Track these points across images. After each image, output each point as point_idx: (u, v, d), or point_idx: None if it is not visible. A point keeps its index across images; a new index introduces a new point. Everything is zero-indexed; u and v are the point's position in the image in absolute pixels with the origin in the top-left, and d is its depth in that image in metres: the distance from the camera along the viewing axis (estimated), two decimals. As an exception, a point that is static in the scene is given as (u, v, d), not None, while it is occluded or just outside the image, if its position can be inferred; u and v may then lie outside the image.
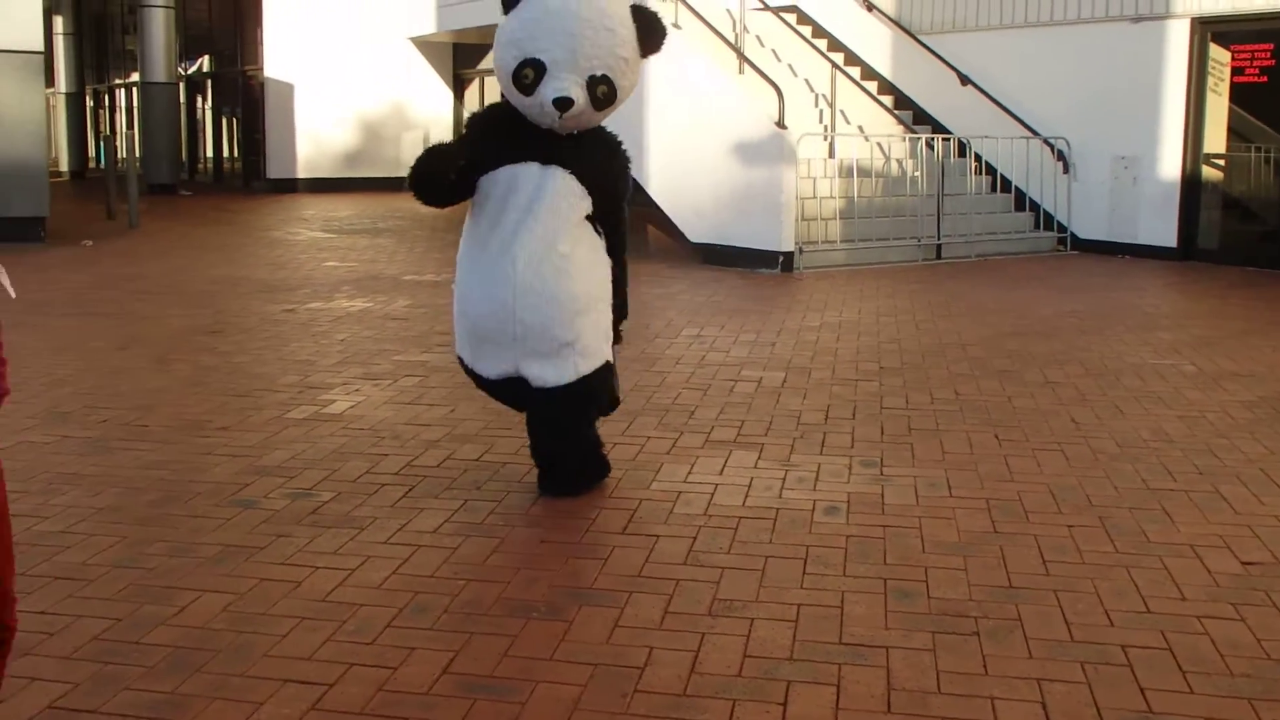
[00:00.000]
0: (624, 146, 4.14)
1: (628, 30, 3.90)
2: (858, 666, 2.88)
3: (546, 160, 3.93)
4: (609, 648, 2.96)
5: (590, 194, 3.99)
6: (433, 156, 3.84)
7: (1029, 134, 12.23)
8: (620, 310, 4.20)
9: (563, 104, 3.81)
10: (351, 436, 4.87)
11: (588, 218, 4.04)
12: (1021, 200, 12.40)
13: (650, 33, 3.97)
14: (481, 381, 4.16)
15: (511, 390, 4.12)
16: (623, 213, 4.15)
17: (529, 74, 3.83)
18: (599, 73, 3.84)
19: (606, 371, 4.12)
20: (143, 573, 3.41)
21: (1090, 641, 3.04)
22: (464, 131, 4.15)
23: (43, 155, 12.37)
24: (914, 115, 13.22)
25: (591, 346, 4.03)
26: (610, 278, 4.15)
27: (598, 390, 4.11)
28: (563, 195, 3.93)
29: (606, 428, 5.05)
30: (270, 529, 3.78)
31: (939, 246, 11.42)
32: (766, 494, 4.21)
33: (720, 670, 2.85)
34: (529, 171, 3.93)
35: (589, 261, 4.03)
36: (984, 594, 3.34)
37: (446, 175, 3.88)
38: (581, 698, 2.70)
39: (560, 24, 3.81)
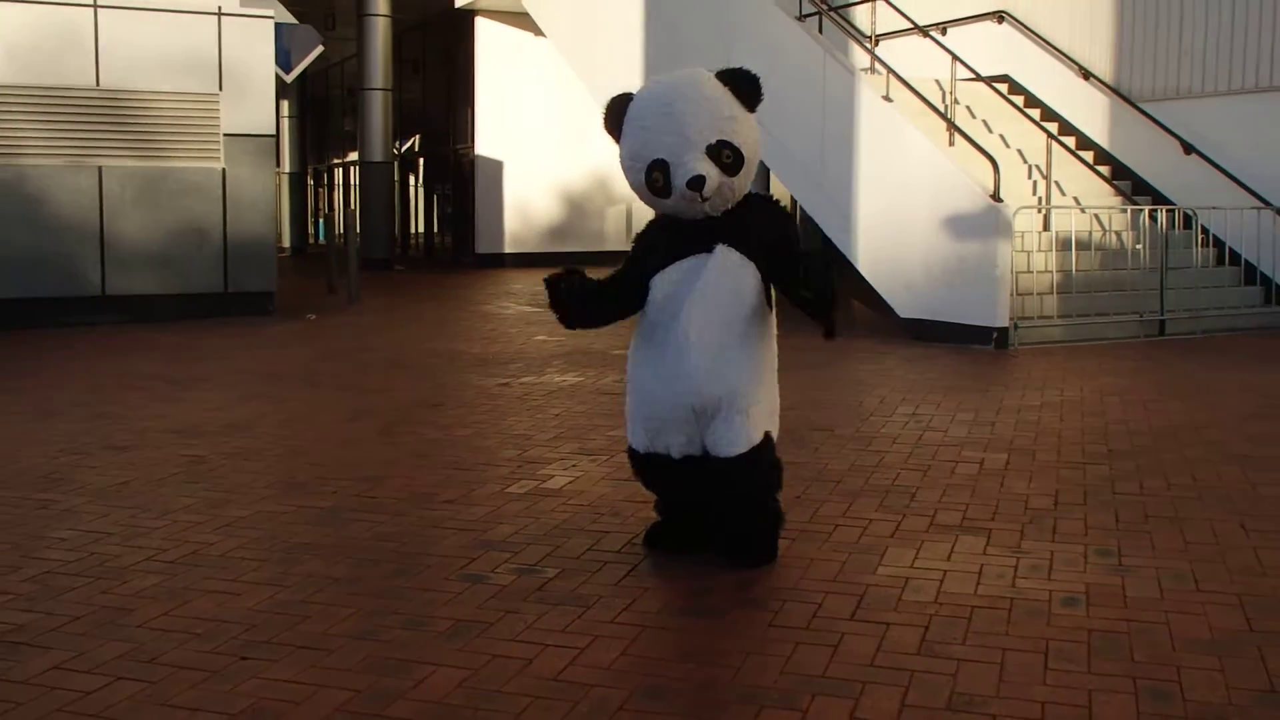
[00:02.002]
0: (774, 203, 4.24)
1: (720, 93, 4.00)
2: (1112, 772, 2.73)
3: (710, 245, 4.05)
4: (846, 740, 2.88)
5: (753, 257, 4.05)
6: (559, 297, 4.16)
7: (1260, 204, 11.65)
8: (822, 297, 4.01)
9: (697, 183, 3.92)
10: (573, 512, 4.93)
11: (759, 288, 4.11)
12: (1252, 274, 11.80)
13: (744, 85, 4.03)
14: (661, 464, 4.20)
15: (690, 474, 4.18)
16: (793, 244, 4.11)
17: (658, 176, 3.99)
18: (714, 140, 3.95)
19: (770, 442, 4.20)
20: (380, 645, 3.50)
21: (1367, 755, 2.82)
22: (631, 250, 4.31)
23: (272, 233, 13.14)
24: (1133, 186, 12.78)
25: (760, 417, 4.13)
26: (774, 353, 4.28)
27: (770, 458, 4.20)
28: (725, 267, 4.03)
29: (827, 508, 5.00)
30: (499, 604, 3.84)
31: (1162, 322, 10.95)
32: (999, 582, 4.06)
33: (964, 770, 2.74)
34: (695, 261, 4.06)
35: (756, 333, 4.14)
36: (1245, 698, 3.13)
37: (582, 306, 4.17)
38: (821, 792, 2.63)
39: (659, 121, 3.97)
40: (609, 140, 4.26)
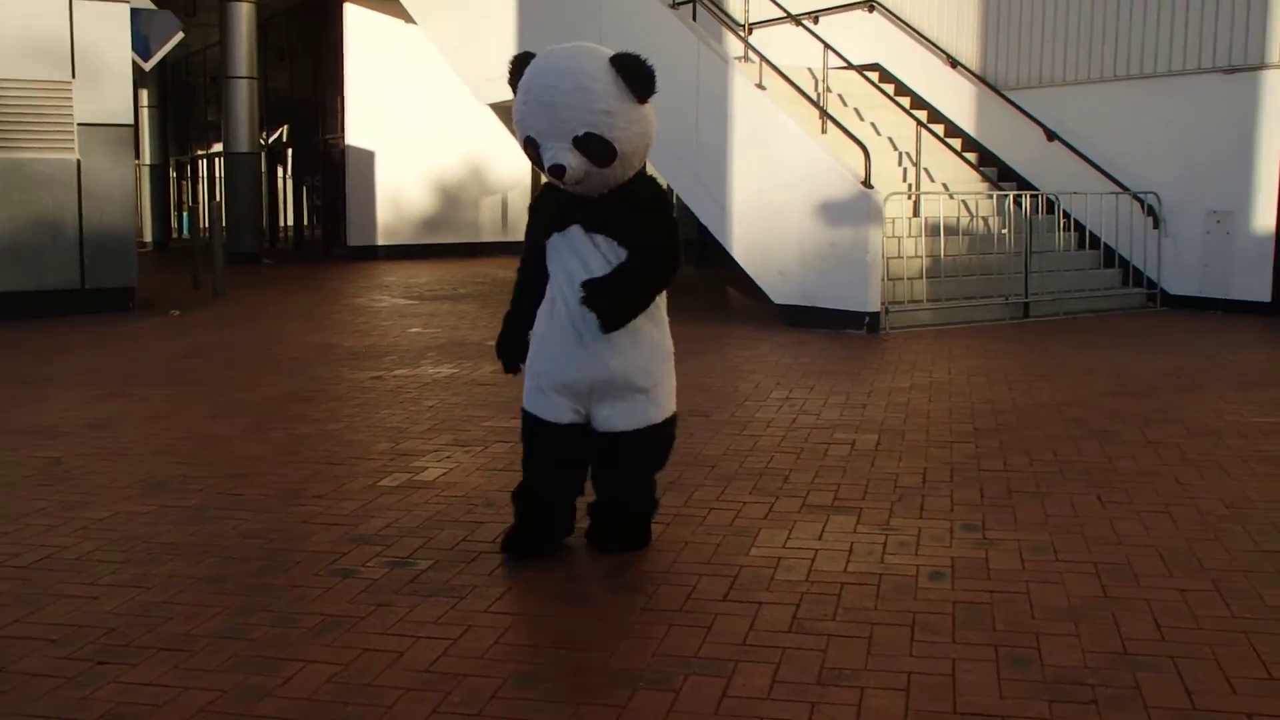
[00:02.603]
0: (664, 198, 4.24)
1: (605, 84, 3.95)
2: (975, 739, 2.80)
3: (589, 226, 4.07)
4: (718, 718, 2.90)
5: (630, 246, 4.07)
6: (500, 356, 4.28)
7: (1118, 189, 12.07)
8: (616, 295, 4.01)
9: (556, 170, 3.96)
10: (446, 504, 4.88)
11: None
12: (1110, 256, 12.22)
13: (636, 77, 4.00)
14: (546, 429, 4.16)
15: (574, 442, 4.17)
16: (653, 253, 4.10)
17: (531, 151, 4.04)
18: (580, 132, 3.92)
19: (672, 425, 4.24)
20: (247, 643, 3.42)
21: (1214, 710, 2.93)
22: (528, 218, 4.35)
23: (131, 226, 12.68)
24: (999, 172, 13.13)
25: (663, 397, 4.18)
26: (667, 335, 4.29)
27: (665, 441, 4.23)
28: (605, 256, 4.05)
29: (701, 492, 5.03)
30: (370, 598, 3.78)
31: (1026, 305, 11.28)
32: (868, 559, 4.13)
33: (833, 743, 2.78)
34: (575, 238, 4.08)
35: (658, 325, 4.21)
36: (1100, 661, 3.24)
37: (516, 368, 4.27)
38: (693, 771, 2.65)
39: (538, 98, 3.98)
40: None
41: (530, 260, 4.25)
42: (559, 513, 4.26)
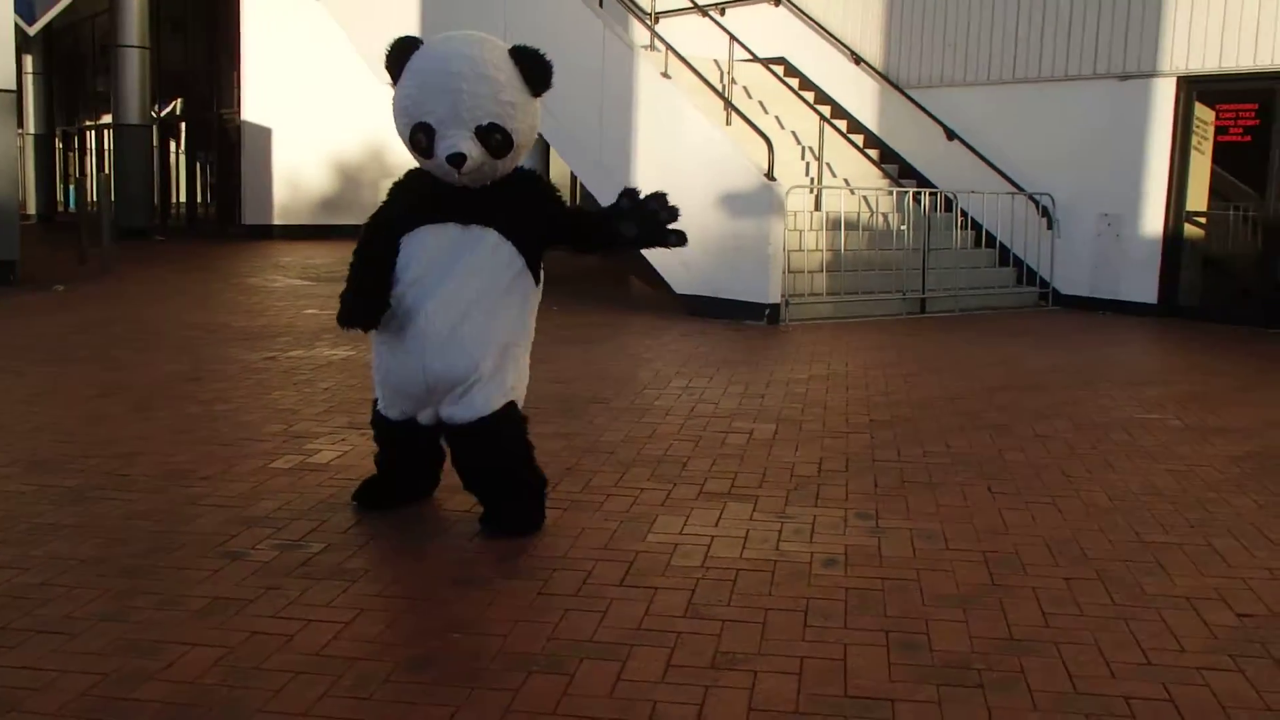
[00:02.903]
0: (540, 180, 4.25)
1: (508, 75, 3.95)
2: (865, 722, 2.83)
3: (467, 219, 4.03)
4: (612, 702, 2.89)
5: (514, 237, 4.06)
6: (354, 311, 4.06)
7: (1014, 189, 12.34)
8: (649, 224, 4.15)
9: (456, 160, 3.91)
10: (340, 486, 4.79)
11: (515, 266, 4.13)
12: (1006, 255, 12.49)
13: (535, 70, 4.01)
14: (395, 428, 4.25)
15: (412, 435, 4.27)
16: (572, 213, 4.21)
17: (421, 138, 3.95)
18: (485, 122, 3.91)
19: (513, 409, 4.19)
20: (130, 626, 3.32)
21: (1094, 693, 3.01)
22: (385, 199, 4.25)
23: (13, 197, 12.26)
24: (900, 169, 13.34)
25: (497, 383, 4.11)
26: (530, 327, 4.28)
27: (510, 424, 4.17)
28: (483, 253, 4.03)
29: (599, 478, 5.03)
30: (260, 581, 3.70)
31: (923, 300, 11.47)
32: (764, 546, 4.16)
33: (726, 726, 2.79)
34: (448, 232, 4.03)
35: (506, 309, 4.13)
36: (986, 646, 3.31)
37: (373, 324, 4.08)
38: (585, 754, 2.64)
39: (438, 83, 3.91)
40: (384, 109, 4.18)
41: (383, 244, 4.10)
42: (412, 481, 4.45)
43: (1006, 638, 3.37)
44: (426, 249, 4.04)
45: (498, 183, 4.08)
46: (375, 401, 4.37)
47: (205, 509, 4.47)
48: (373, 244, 4.14)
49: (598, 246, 4.35)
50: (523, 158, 4.13)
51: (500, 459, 4.19)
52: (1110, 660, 3.23)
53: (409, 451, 4.38)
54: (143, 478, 4.90)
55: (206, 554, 3.95)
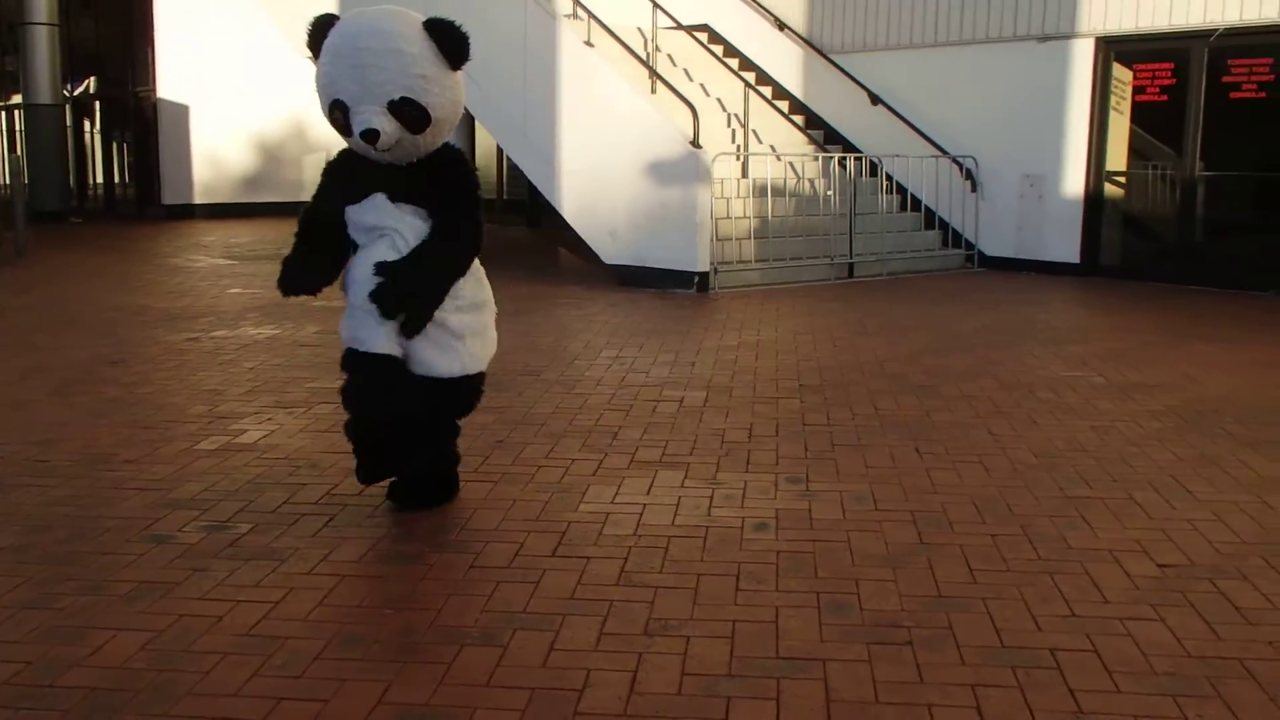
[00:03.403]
0: (474, 177, 4.16)
1: (420, 48, 3.88)
2: (796, 680, 2.86)
3: (394, 195, 3.97)
4: (546, 671, 2.90)
5: (435, 217, 4.01)
6: (289, 281, 4.03)
7: (938, 153, 12.45)
8: (411, 286, 3.95)
9: (369, 135, 3.83)
10: (267, 466, 4.74)
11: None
12: (931, 219, 12.61)
13: (450, 43, 3.93)
14: (359, 362, 3.97)
15: (385, 379, 4.00)
16: (459, 226, 4.05)
17: (338, 115, 3.90)
18: (397, 96, 3.82)
19: (481, 381, 4.22)
20: (53, 613, 3.26)
21: (1020, 646, 3.08)
22: (320, 180, 4.19)
23: (-74, 183, 11.93)
24: (825, 135, 13.38)
25: (478, 353, 4.15)
26: (489, 296, 4.25)
27: (475, 394, 4.22)
28: (409, 228, 3.97)
29: (531, 450, 5.01)
30: (186, 563, 3.65)
31: (851, 265, 11.55)
32: (695, 513, 4.18)
33: (660, 689, 2.81)
34: (380, 205, 3.98)
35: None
36: (915, 604, 3.36)
37: (313, 290, 4.05)
38: (520, 724, 2.64)
39: (348, 59, 3.86)
40: (304, 85, 4.08)
41: (319, 222, 4.07)
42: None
43: (934, 595, 3.43)
44: (367, 222, 3.99)
45: (426, 160, 4.02)
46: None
47: (129, 493, 4.39)
48: (307, 227, 4.11)
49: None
50: (448, 132, 4.06)
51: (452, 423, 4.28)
52: (1035, 614, 3.29)
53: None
54: (63, 463, 4.80)
55: (131, 538, 3.88)
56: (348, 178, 4.05)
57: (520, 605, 3.32)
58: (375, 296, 3.86)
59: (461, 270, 4.05)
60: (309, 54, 4.02)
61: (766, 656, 2.99)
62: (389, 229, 3.97)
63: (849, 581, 3.52)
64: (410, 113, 3.85)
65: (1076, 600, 3.39)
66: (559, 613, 3.26)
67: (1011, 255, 12.28)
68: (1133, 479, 4.66)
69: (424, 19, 3.95)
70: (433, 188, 4.01)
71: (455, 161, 4.12)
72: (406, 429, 4.11)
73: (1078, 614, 3.30)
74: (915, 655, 3.01)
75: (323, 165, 4.23)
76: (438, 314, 3.99)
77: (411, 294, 3.92)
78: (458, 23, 3.97)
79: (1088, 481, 4.62)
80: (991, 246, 12.44)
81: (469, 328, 4.11)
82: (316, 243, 4.08)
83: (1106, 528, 4.06)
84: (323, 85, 3.96)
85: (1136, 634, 3.16)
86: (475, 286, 4.17)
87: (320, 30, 3.96)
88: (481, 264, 4.23)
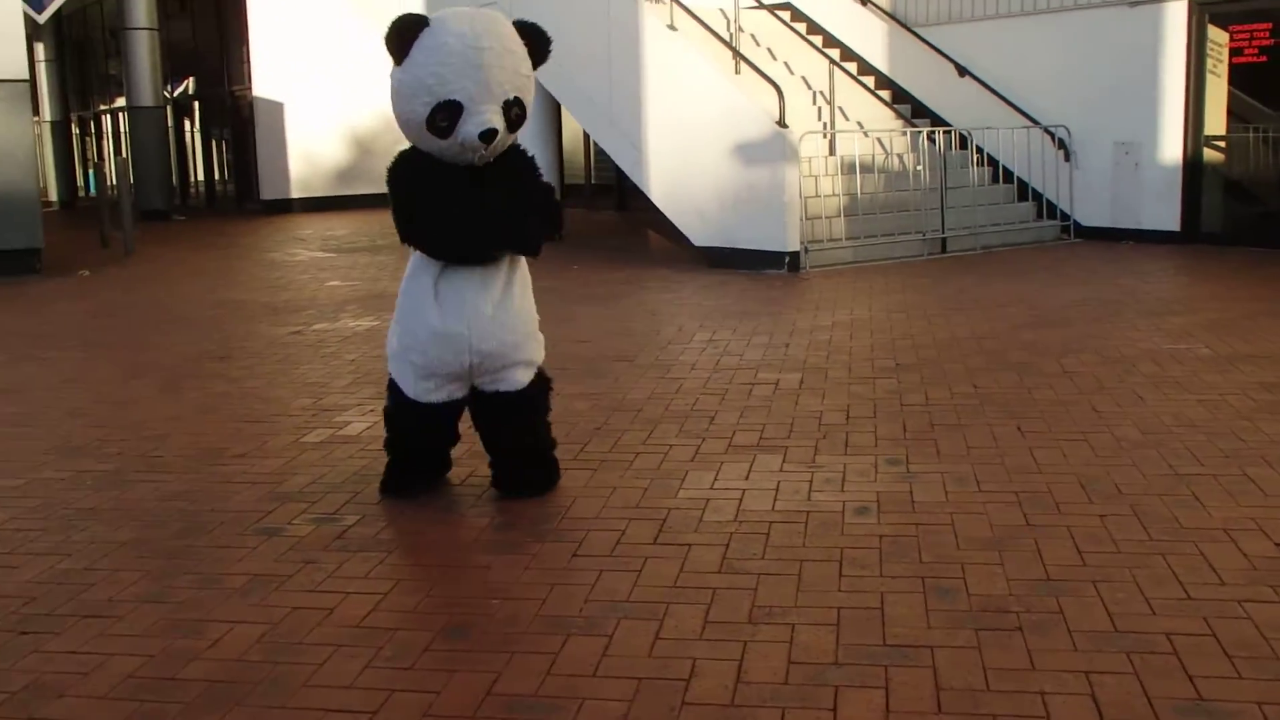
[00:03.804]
0: (526, 152, 4.22)
1: (522, 47, 3.96)
2: (904, 668, 2.84)
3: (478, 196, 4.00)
4: (652, 661, 2.91)
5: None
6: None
7: (1029, 123, 12.20)
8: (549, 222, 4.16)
9: (489, 136, 3.84)
10: (371, 458, 4.82)
11: None
12: (1024, 190, 12.37)
13: (540, 44, 4.02)
14: (424, 411, 4.16)
15: (452, 417, 4.24)
16: (548, 200, 4.20)
17: (442, 116, 3.84)
18: (511, 96, 3.90)
19: (544, 379, 4.30)
20: (172, 607, 3.36)
21: (1134, 631, 3.01)
22: (389, 187, 4.14)
23: (34, 186, 12.29)
24: (912, 109, 13.20)
25: (533, 354, 4.23)
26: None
27: (544, 391, 4.29)
28: None
29: (628, 436, 5.04)
30: (297, 556, 3.74)
31: (943, 240, 11.39)
32: (795, 497, 4.17)
33: (766, 678, 2.81)
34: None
35: (528, 286, 4.24)
36: (1023, 588, 3.31)
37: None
38: (629, 713, 2.66)
39: (467, 59, 3.80)
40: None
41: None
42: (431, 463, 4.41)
43: (1043, 578, 3.37)
44: None
45: (499, 158, 4.05)
46: (392, 390, 4.27)
47: (239, 486, 4.50)
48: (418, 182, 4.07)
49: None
50: None
51: (532, 423, 4.27)
52: (1149, 596, 3.22)
53: (434, 435, 4.29)
54: (176, 458, 4.94)
55: (243, 531, 3.99)
56: (430, 180, 4.03)
57: (624, 594, 3.34)
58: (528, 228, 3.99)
59: (558, 219, 4.19)
60: (392, 54, 3.93)
61: (873, 644, 2.97)
62: None
63: (954, 565, 3.48)
64: (516, 113, 3.93)
65: (1191, 582, 3.31)
66: (663, 601, 3.27)
67: (1108, 225, 12.00)
68: (1245, 454, 4.54)
69: (514, 20, 4.01)
70: (510, 182, 4.06)
71: (519, 150, 4.18)
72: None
73: (1193, 596, 3.22)
74: (1025, 641, 2.97)
75: (392, 174, 4.14)
76: (499, 347, 4.07)
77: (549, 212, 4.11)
78: (538, 24, 4.04)
79: (1198, 458, 4.51)
80: (1087, 216, 12.17)
81: (527, 349, 4.21)
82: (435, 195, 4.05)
83: (1220, 506, 3.95)
84: (428, 86, 3.83)
85: (1256, 616, 3.07)
86: (525, 296, 4.25)
87: (411, 31, 3.86)
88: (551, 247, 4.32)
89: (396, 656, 2.99)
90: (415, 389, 4.15)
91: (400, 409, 4.24)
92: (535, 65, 4.03)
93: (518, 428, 4.24)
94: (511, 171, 4.09)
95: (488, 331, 4.04)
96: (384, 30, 3.91)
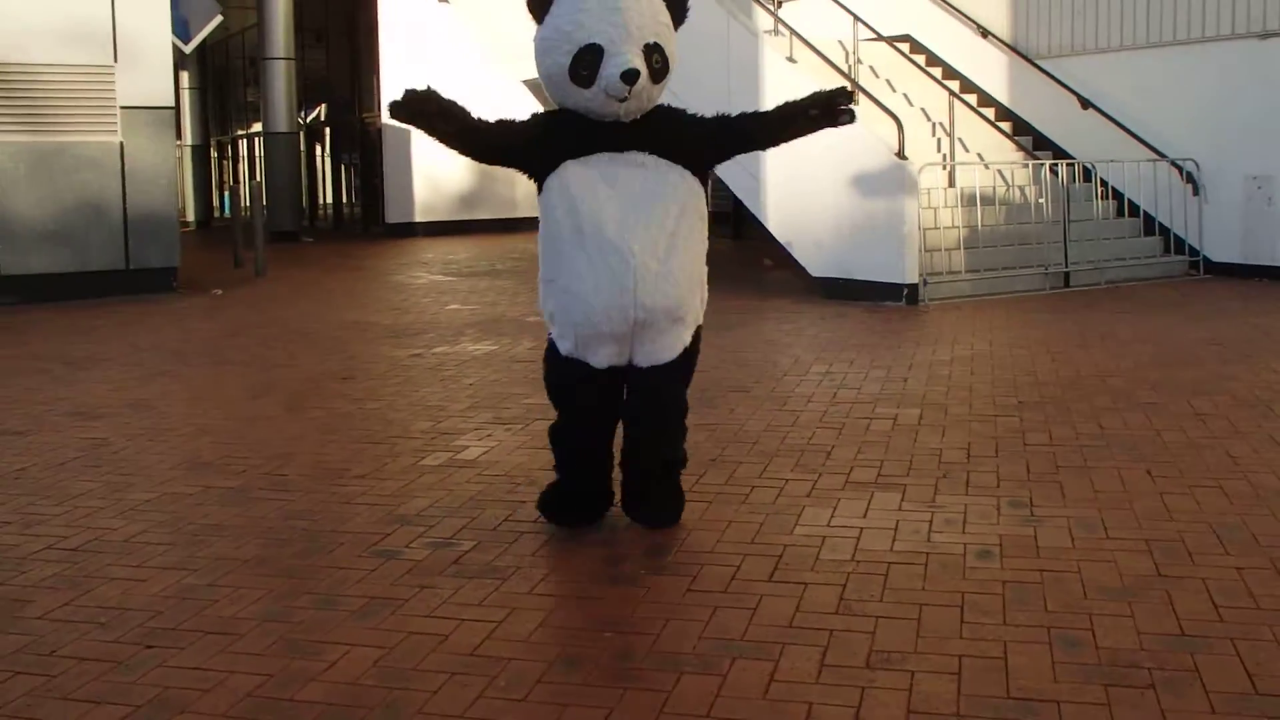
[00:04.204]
0: (673, 107, 4.16)
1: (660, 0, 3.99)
2: (1028, 723, 2.75)
3: (621, 147, 3.96)
4: (766, 703, 2.87)
5: (680, 160, 4.01)
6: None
7: (1155, 156, 11.88)
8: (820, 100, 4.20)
9: (630, 76, 3.78)
10: (488, 483, 4.86)
11: (694, 192, 4.09)
12: (1151, 224, 12.04)
13: (677, 3, 4.04)
14: (584, 375, 4.07)
15: (610, 386, 4.11)
16: (715, 120, 4.17)
17: (586, 61, 3.81)
18: (651, 40, 3.87)
19: (698, 338, 4.20)
20: (290, 626, 3.42)
21: (1275, 694, 2.87)
22: (529, 122, 4.11)
23: (174, 207, 12.75)
24: (1034, 141, 12.94)
25: (695, 317, 4.15)
26: (705, 250, 4.22)
27: (695, 356, 4.20)
28: (660, 177, 3.97)
29: (744, 469, 5.00)
30: (414, 580, 3.77)
31: (1067, 274, 11.12)
32: (914, 537, 4.08)
33: (884, 727, 2.74)
34: (612, 163, 3.95)
35: (694, 237, 4.08)
36: (1155, 642, 3.18)
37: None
38: (742, 757, 2.62)
39: (605, 4, 3.81)
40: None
41: (510, 130, 4.05)
42: (600, 471, 4.26)
43: (1176, 633, 3.24)
44: (592, 181, 3.95)
45: (645, 117, 4.02)
46: (552, 354, 4.17)
47: (359, 508, 4.57)
48: (496, 127, 4.07)
49: (773, 131, 4.35)
50: (663, 92, 4.06)
51: (678, 398, 4.19)
52: (1290, 656, 3.08)
53: (597, 402, 4.14)
54: (299, 477, 5.04)
55: (362, 553, 4.04)
56: (572, 133, 3.97)
57: (738, 632, 3.30)
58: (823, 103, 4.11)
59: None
60: (533, 13, 3.98)
61: (997, 696, 2.88)
62: (648, 184, 3.95)
63: (1082, 615, 3.37)
64: (657, 59, 3.90)
65: (1335, 642, 3.16)
66: (778, 641, 3.22)
67: (1239, 261, 11.60)
68: (1392, 507, 4.32)
69: None
70: (664, 135, 4.00)
71: (668, 109, 4.12)
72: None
73: (1337, 657, 3.07)
74: (1158, 699, 2.85)
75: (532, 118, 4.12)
76: (664, 303, 3.97)
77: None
78: None
79: (1341, 509, 4.31)
80: (1217, 252, 11.79)
81: (691, 305, 4.15)
82: (487, 129, 4.04)
83: (1365, 561, 3.77)
84: (568, 33, 3.85)
85: (1406, 681, 2.92)
86: (698, 246, 4.17)
87: None
88: None
89: (509, 687, 2.99)
90: (577, 344, 4.05)
91: (559, 378, 4.17)
92: (679, 22, 4.05)
93: (667, 398, 4.14)
94: (658, 125, 4.02)
95: (652, 287, 3.92)
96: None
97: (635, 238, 3.91)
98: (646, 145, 3.97)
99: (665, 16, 3.98)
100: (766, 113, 4.24)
